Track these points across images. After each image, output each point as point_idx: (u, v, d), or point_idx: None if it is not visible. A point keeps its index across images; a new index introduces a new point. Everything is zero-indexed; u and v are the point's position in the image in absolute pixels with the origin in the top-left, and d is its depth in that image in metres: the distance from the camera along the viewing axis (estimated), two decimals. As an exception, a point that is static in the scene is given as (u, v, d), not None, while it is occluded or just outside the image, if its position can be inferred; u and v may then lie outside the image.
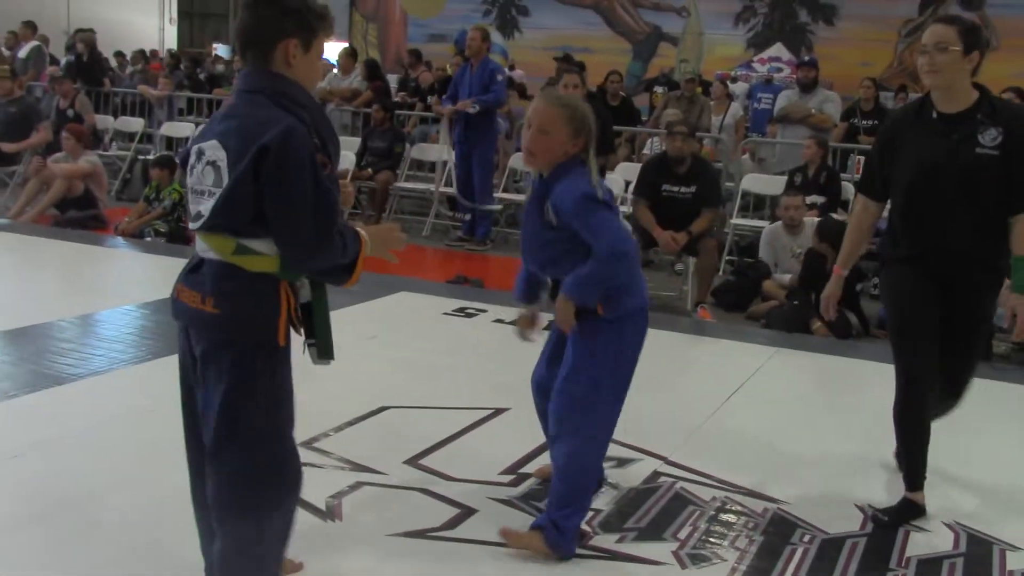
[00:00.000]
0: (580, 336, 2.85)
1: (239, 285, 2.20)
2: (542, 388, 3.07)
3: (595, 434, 2.90)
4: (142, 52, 15.19)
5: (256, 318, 2.20)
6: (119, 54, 15.44)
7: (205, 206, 2.18)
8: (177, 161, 8.51)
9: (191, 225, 2.26)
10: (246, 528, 2.25)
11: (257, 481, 2.23)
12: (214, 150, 2.16)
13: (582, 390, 2.83)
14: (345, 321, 5.09)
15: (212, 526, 2.32)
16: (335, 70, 11.48)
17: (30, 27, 12.91)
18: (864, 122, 9.29)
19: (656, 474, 3.58)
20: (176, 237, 7.92)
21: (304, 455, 3.50)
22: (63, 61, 13.02)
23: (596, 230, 2.73)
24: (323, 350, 2.35)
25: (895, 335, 3.37)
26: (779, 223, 7.02)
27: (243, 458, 2.22)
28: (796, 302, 6.23)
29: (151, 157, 9.32)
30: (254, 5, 2.21)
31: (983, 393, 5.05)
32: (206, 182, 2.18)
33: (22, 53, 12.61)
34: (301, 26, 2.21)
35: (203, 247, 2.26)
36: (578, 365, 2.84)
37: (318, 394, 4.31)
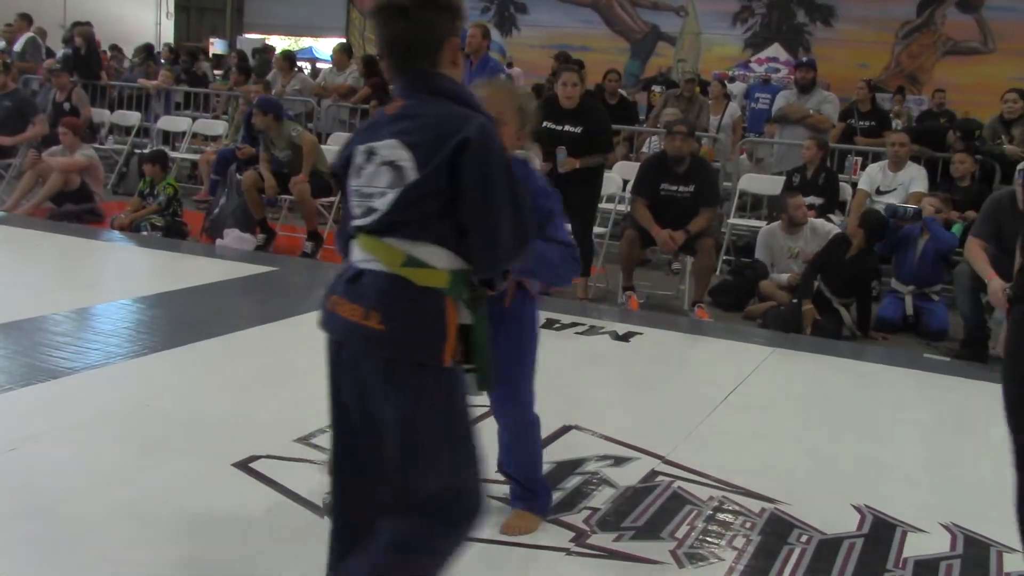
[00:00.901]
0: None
1: (408, 300, 2.06)
2: None
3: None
4: (146, 47, 15.14)
5: (423, 336, 2.05)
6: (115, 47, 15.39)
7: (380, 202, 2.06)
8: (246, 156, 8.46)
9: (358, 223, 2.11)
10: (418, 555, 2.13)
11: (440, 513, 2.10)
12: (393, 149, 2.06)
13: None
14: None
15: (350, 543, 2.19)
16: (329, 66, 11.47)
17: (25, 19, 12.87)
18: (861, 123, 9.30)
19: (653, 473, 3.58)
20: (172, 232, 7.91)
21: (301, 451, 3.52)
22: (60, 54, 12.98)
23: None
24: (483, 379, 2.18)
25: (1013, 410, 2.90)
26: (776, 223, 7.02)
27: (427, 485, 2.09)
28: (795, 300, 6.23)
29: (147, 151, 9.28)
30: (418, 8, 2.10)
31: (981, 394, 5.07)
32: (379, 183, 2.07)
33: (17, 46, 12.58)
34: (455, 25, 2.16)
35: (365, 257, 2.10)
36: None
37: (315, 390, 4.30)
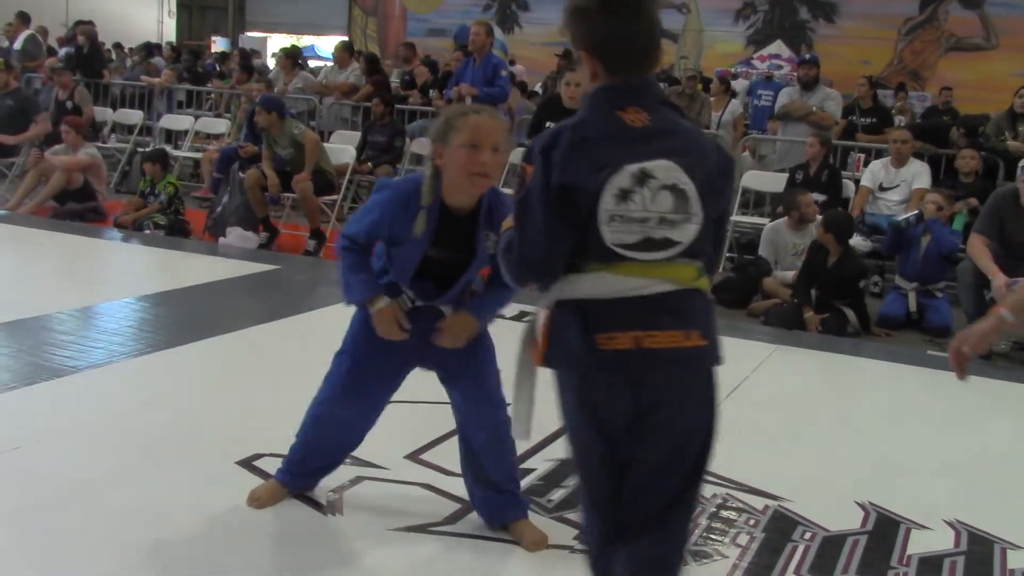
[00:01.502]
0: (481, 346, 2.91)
1: (710, 309, 2.02)
2: None
3: None
4: (146, 45, 15.17)
5: (719, 340, 2.03)
6: (117, 45, 15.40)
7: (679, 233, 1.93)
8: (249, 154, 8.47)
9: (648, 255, 1.92)
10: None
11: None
12: (670, 172, 1.92)
13: None
14: (342, 316, 5.08)
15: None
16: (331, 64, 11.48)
17: (23, 19, 12.89)
18: (863, 120, 9.29)
19: (657, 470, 3.57)
20: (175, 230, 7.91)
21: (304, 449, 3.51)
22: (62, 52, 12.99)
23: None
24: None
25: None
26: (782, 220, 7.01)
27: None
28: (795, 299, 6.23)
29: (148, 150, 9.30)
30: (652, 3, 2.02)
31: (984, 391, 5.06)
32: (660, 207, 1.91)
33: (17, 44, 12.61)
34: None
35: (648, 282, 1.93)
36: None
37: (317, 389, 4.31)
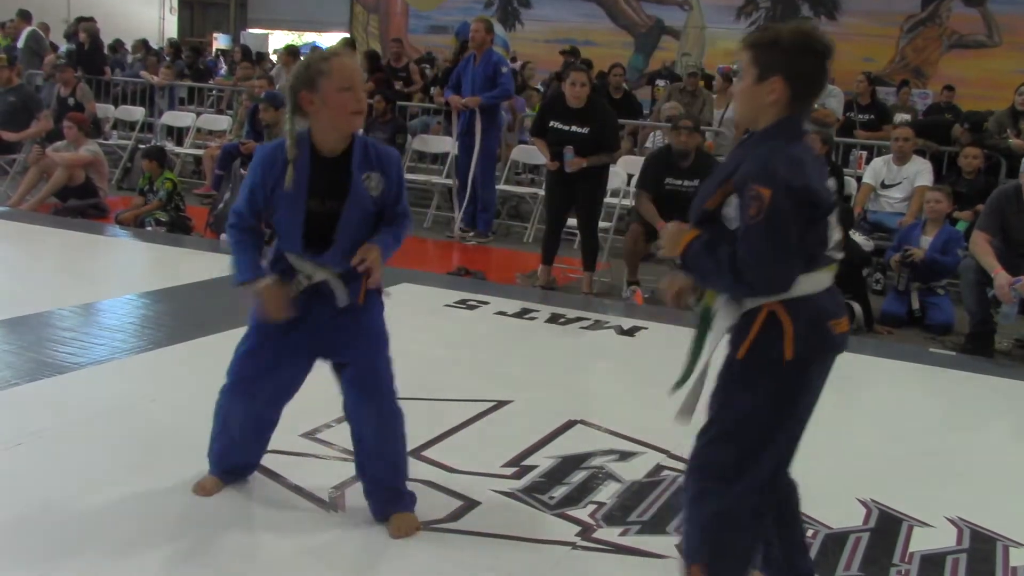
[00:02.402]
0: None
1: None
2: None
3: None
4: (144, 42, 15.16)
5: None
6: (119, 43, 15.39)
7: (837, 234, 2.34)
8: (250, 151, 8.49)
9: (834, 254, 2.35)
10: None
11: None
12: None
13: None
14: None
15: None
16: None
17: (24, 17, 12.89)
18: (861, 116, 9.28)
19: (659, 467, 3.57)
20: (176, 226, 7.91)
21: (306, 446, 3.53)
22: (63, 48, 12.99)
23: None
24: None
25: None
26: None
27: None
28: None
29: (145, 147, 9.30)
30: None
31: (986, 389, 5.06)
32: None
33: (19, 42, 12.62)
34: None
35: (832, 276, 2.37)
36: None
37: (319, 385, 4.31)
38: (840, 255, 2.35)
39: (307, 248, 2.79)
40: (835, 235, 2.33)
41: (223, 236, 7.65)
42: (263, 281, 2.79)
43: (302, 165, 2.72)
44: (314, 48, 3.29)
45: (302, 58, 2.84)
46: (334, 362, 2.94)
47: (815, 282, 2.29)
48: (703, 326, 2.41)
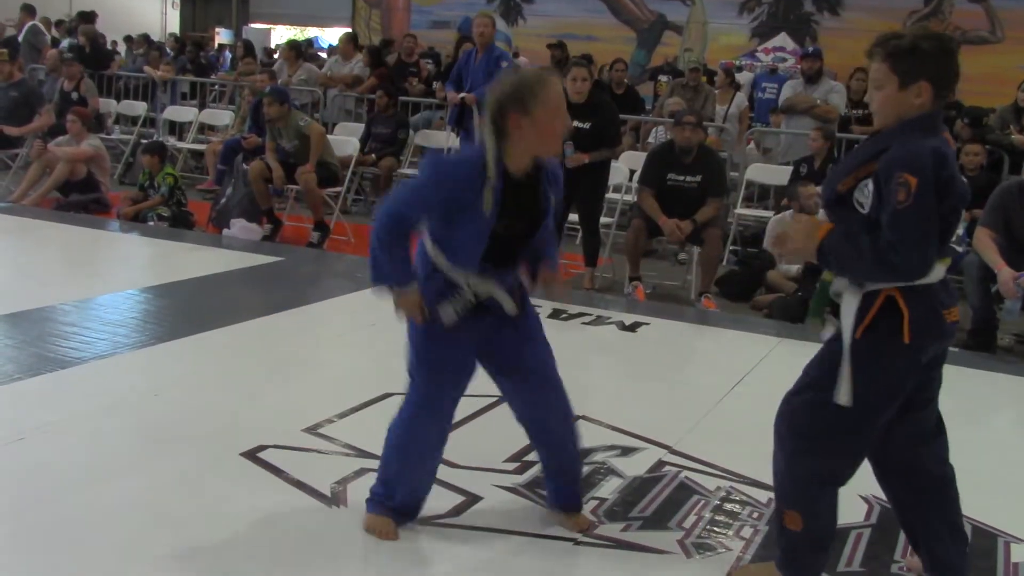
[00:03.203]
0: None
1: None
2: None
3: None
4: (145, 36, 15.16)
5: None
6: (128, 39, 15.41)
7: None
8: (253, 146, 8.52)
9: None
10: None
11: None
12: None
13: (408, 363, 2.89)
14: (348, 307, 5.11)
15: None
16: (335, 56, 11.47)
17: (28, 11, 12.90)
18: (855, 111, 9.27)
19: (661, 463, 3.58)
20: (179, 221, 7.91)
21: (308, 441, 3.53)
22: (64, 43, 12.99)
23: None
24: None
25: None
26: (788, 212, 6.99)
27: None
28: (800, 293, 6.22)
29: (146, 142, 9.30)
30: None
31: (987, 385, 5.06)
32: None
33: (20, 36, 12.63)
34: None
35: (945, 267, 2.50)
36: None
37: (321, 380, 4.32)
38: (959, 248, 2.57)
39: (482, 265, 2.74)
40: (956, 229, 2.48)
41: (226, 231, 7.66)
42: (411, 287, 2.71)
43: (498, 188, 2.64)
44: (518, 67, 3.20)
45: (509, 76, 2.73)
46: (502, 368, 2.92)
47: (935, 272, 2.43)
48: (821, 298, 2.70)
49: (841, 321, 2.55)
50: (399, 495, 2.90)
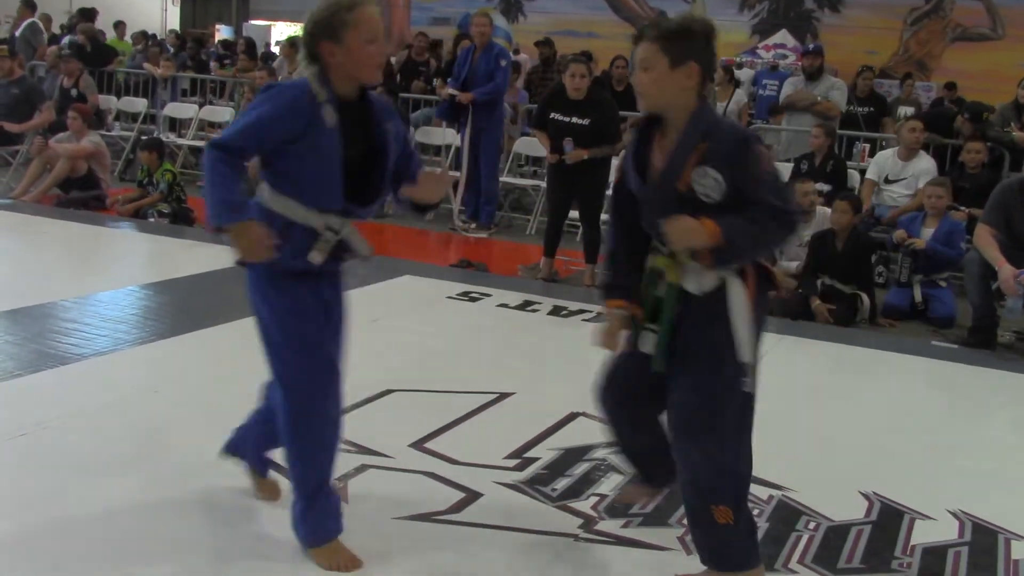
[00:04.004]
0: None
1: None
2: None
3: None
4: (144, 33, 15.15)
5: None
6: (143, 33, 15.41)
7: None
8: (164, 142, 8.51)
9: None
10: None
11: None
12: None
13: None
14: (348, 304, 5.07)
15: None
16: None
17: (28, 7, 12.89)
18: (860, 109, 9.26)
19: (661, 460, 3.57)
20: (179, 218, 7.91)
21: (309, 437, 3.52)
22: (65, 40, 12.98)
23: None
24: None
25: None
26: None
27: None
28: (800, 291, 6.22)
29: (149, 137, 9.29)
30: None
31: (988, 382, 5.06)
32: None
33: (18, 32, 12.62)
34: None
35: None
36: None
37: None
38: None
39: (345, 205, 2.62)
40: None
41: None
42: (253, 222, 2.53)
43: (334, 104, 2.55)
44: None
45: (321, 4, 2.58)
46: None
47: None
48: (652, 290, 2.57)
49: (731, 305, 2.50)
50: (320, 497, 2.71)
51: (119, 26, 15.08)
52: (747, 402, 2.60)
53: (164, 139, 9.74)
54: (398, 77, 10.89)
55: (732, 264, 2.48)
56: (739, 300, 2.49)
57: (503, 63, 8.41)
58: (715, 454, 2.55)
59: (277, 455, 2.89)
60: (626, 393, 2.67)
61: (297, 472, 2.69)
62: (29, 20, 12.74)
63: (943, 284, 6.59)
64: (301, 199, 2.59)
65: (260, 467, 3.03)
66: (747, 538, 2.64)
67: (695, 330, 2.52)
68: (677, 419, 2.58)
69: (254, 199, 2.65)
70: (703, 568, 2.67)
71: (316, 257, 2.61)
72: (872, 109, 9.24)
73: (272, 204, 2.61)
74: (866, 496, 3.38)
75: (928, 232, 6.59)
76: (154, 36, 16.34)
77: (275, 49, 16.66)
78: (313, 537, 2.70)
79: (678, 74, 2.44)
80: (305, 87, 2.55)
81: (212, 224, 2.53)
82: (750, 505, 3.22)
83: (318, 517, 2.70)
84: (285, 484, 3.12)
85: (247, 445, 3.00)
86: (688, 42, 2.46)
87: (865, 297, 6.16)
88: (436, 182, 2.78)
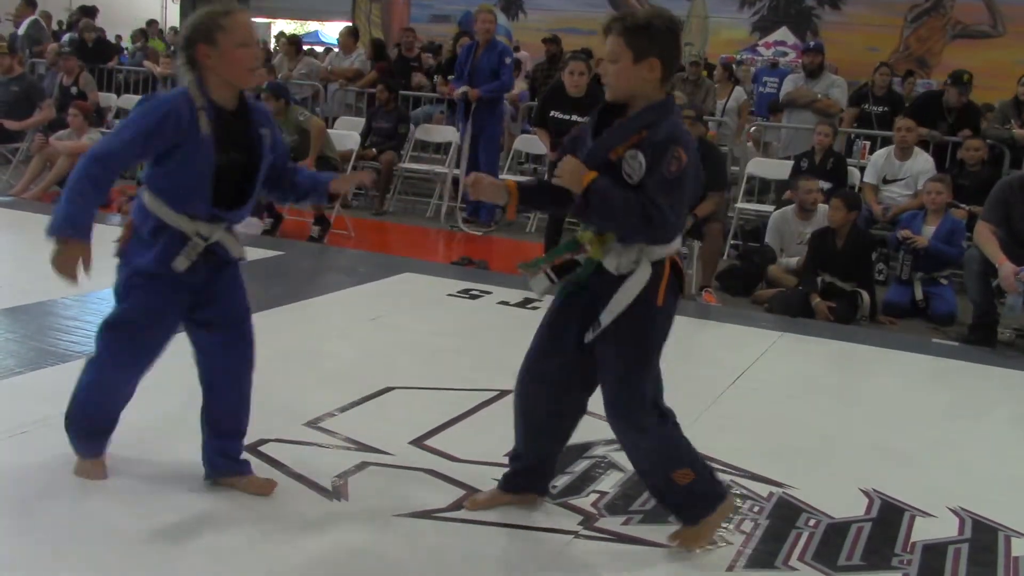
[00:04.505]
0: None
1: None
2: None
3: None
4: (143, 31, 15.14)
5: None
6: (155, 25, 15.43)
7: None
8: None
9: None
10: None
11: None
12: None
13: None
14: (349, 301, 5.11)
15: None
16: (336, 50, 11.45)
17: (28, 3, 12.89)
18: (875, 108, 9.24)
19: (661, 457, 3.57)
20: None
21: (309, 435, 3.54)
22: (65, 37, 12.98)
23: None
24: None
25: None
26: (789, 207, 7.00)
27: None
28: (801, 288, 6.22)
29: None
30: None
31: (989, 379, 5.07)
32: None
33: (20, 30, 12.62)
34: None
35: None
36: None
37: (322, 375, 4.32)
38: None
39: (212, 210, 2.73)
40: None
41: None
42: (87, 244, 2.62)
43: (208, 114, 2.67)
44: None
45: (198, 10, 2.74)
46: (200, 322, 2.94)
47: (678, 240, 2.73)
48: (557, 253, 2.81)
49: (625, 285, 2.65)
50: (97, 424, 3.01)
51: (151, 24, 15.08)
52: (653, 369, 2.76)
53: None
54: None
55: (590, 221, 2.67)
56: (638, 282, 2.64)
57: (508, 61, 8.41)
58: (654, 429, 2.76)
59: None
60: (552, 378, 2.86)
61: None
62: (31, 18, 12.74)
63: (944, 282, 6.59)
64: (171, 204, 2.71)
65: (236, 468, 3.05)
66: (710, 479, 2.86)
67: (602, 306, 2.67)
68: (605, 401, 2.79)
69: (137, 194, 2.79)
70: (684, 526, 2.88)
71: (181, 263, 2.74)
72: (887, 109, 9.16)
73: (148, 204, 2.75)
74: (866, 493, 3.38)
75: (929, 230, 6.60)
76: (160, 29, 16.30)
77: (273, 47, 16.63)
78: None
79: (641, 67, 2.58)
80: (183, 97, 2.67)
81: (48, 230, 2.61)
82: (749, 503, 3.25)
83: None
84: (278, 477, 3.12)
85: (210, 456, 3.05)
86: (651, 37, 2.58)
87: (865, 295, 6.16)
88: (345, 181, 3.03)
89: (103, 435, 3.05)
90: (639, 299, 2.65)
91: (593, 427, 3.80)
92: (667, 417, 2.80)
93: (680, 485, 2.78)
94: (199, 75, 2.69)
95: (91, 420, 3.01)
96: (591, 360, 2.75)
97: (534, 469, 3.03)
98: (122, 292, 2.85)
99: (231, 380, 2.98)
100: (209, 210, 2.73)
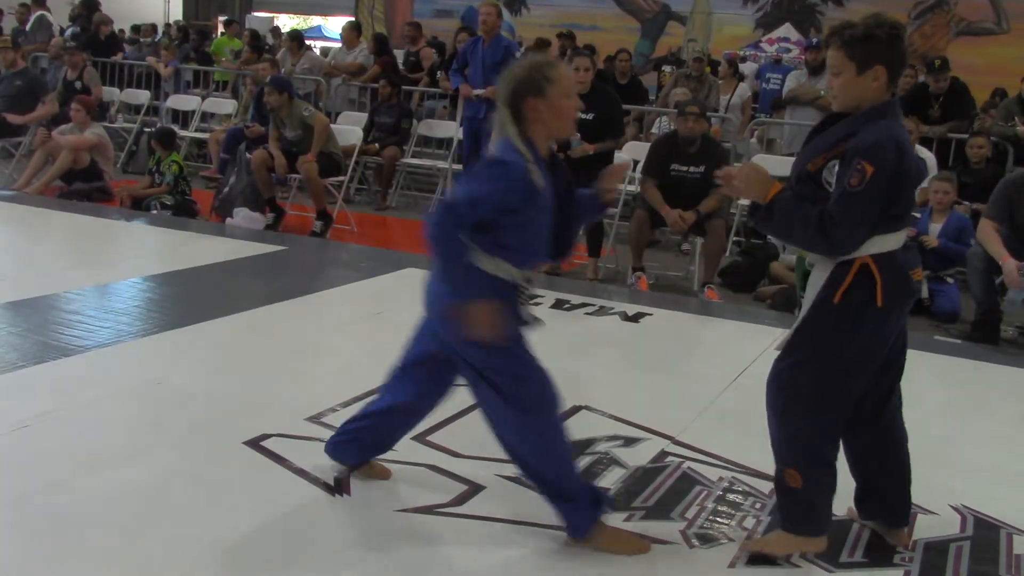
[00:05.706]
0: None
1: None
2: None
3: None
4: (153, 27, 15.14)
5: None
6: (154, 25, 15.41)
7: None
8: (256, 135, 8.53)
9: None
10: None
11: None
12: None
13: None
14: (351, 296, 5.10)
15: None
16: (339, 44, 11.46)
17: (36, 2, 12.90)
18: None
19: (663, 453, 3.58)
20: (182, 210, 7.91)
21: (311, 430, 3.54)
22: (68, 31, 12.97)
23: None
24: None
25: None
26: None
27: None
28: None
29: (161, 127, 9.29)
30: None
31: (991, 377, 5.06)
32: None
33: (28, 25, 12.63)
34: None
35: (906, 234, 2.76)
36: None
37: (324, 370, 4.32)
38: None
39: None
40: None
41: (229, 220, 7.66)
42: (494, 301, 2.63)
43: (541, 167, 2.65)
44: (526, 55, 3.13)
45: (520, 63, 2.74)
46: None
47: (897, 239, 2.66)
48: (800, 269, 2.95)
49: (807, 287, 2.75)
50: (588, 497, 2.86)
51: (231, 25, 15.06)
52: (823, 379, 2.79)
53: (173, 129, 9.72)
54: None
55: (759, 228, 2.75)
56: (813, 290, 2.72)
57: (517, 55, 8.38)
58: (782, 417, 2.87)
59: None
60: None
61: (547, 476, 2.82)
62: (38, 13, 12.73)
63: (950, 280, 6.58)
64: (511, 259, 2.68)
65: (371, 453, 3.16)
66: (816, 506, 2.84)
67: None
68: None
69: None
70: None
71: (527, 314, 2.78)
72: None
73: (483, 262, 2.67)
74: (868, 490, 3.37)
75: (935, 228, 6.58)
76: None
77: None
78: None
79: (865, 78, 2.62)
80: (521, 158, 2.61)
81: (455, 299, 2.66)
82: (751, 500, 3.25)
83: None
84: (279, 472, 3.12)
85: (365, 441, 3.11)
86: (872, 47, 2.62)
87: None
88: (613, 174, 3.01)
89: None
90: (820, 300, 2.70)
91: (596, 424, 3.81)
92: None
93: (789, 487, 2.83)
94: (521, 128, 2.65)
95: None
96: None
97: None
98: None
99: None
100: (542, 261, 2.86)
